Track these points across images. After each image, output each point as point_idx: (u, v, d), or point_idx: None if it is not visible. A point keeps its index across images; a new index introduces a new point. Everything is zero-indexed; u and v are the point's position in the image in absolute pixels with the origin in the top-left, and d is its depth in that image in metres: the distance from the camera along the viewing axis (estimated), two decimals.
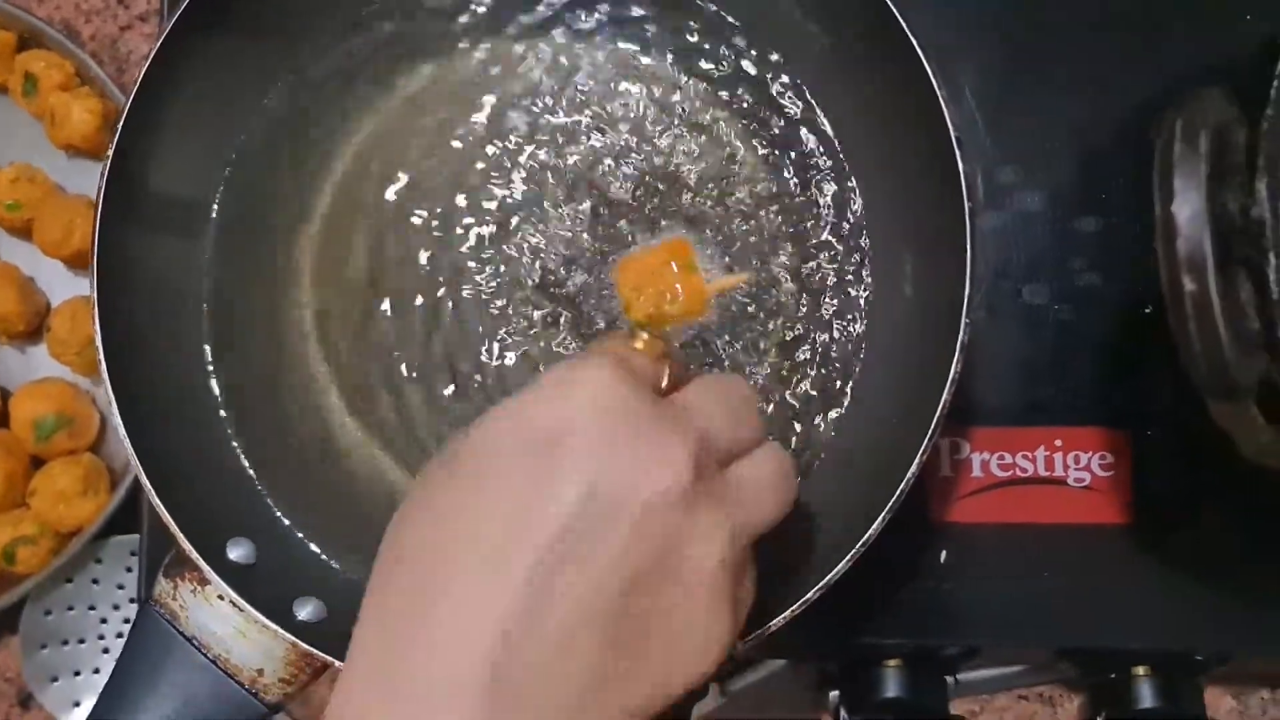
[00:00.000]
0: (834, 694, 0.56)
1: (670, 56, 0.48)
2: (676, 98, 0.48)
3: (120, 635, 0.64)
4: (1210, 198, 0.31)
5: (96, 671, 0.63)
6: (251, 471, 0.46)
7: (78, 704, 0.63)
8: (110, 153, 0.43)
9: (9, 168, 0.65)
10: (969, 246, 0.40)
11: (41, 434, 0.63)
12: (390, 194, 0.49)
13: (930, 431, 0.39)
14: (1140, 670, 0.51)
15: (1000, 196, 0.53)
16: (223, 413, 0.46)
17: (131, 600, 0.64)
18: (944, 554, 0.51)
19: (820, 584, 0.39)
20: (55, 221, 0.64)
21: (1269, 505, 0.49)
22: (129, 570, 0.64)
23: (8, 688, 0.65)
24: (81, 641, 0.64)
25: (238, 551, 0.43)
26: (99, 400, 0.65)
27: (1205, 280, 0.31)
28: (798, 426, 0.46)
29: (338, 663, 0.40)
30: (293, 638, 0.41)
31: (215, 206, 0.48)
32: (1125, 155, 0.53)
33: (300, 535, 0.46)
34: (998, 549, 0.51)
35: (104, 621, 0.64)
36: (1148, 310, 0.51)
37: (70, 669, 0.63)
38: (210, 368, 0.47)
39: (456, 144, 0.49)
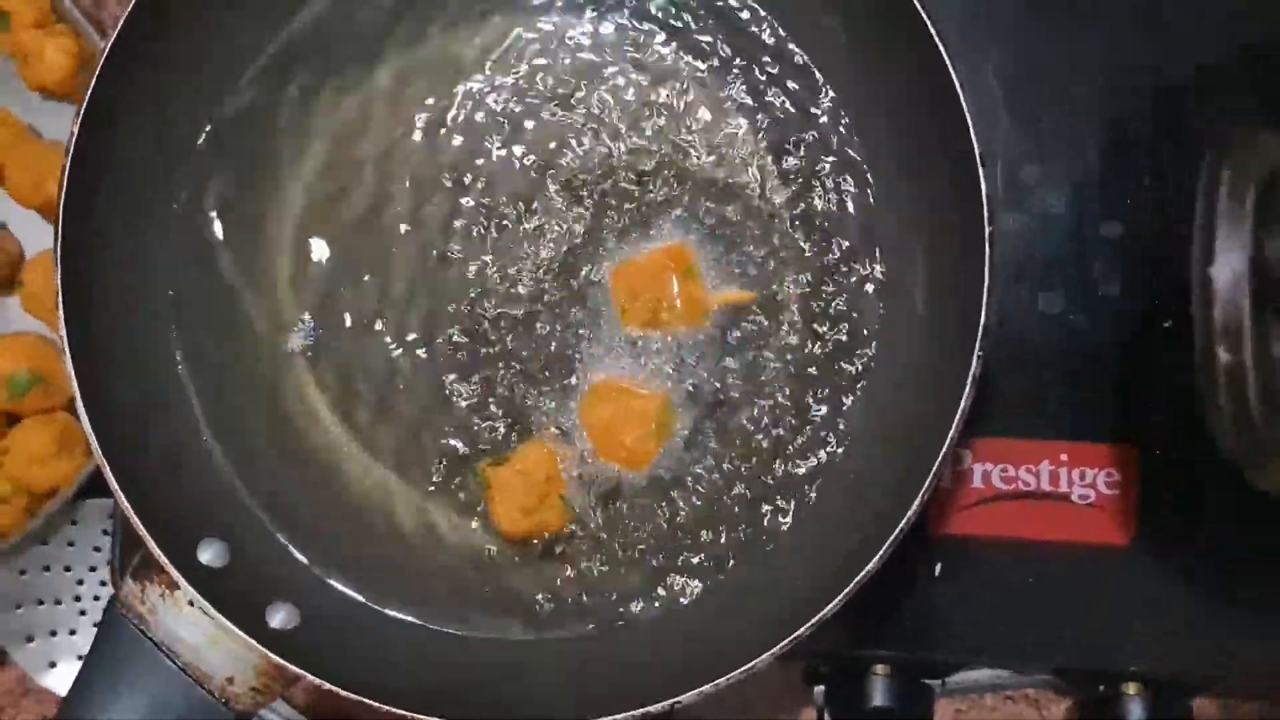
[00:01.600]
0: (819, 689, 0.55)
1: (684, 47, 0.45)
2: (689, 93, 0.45)
3: (97, 598, 0.63)
4: (1254, 259, 0.29)
5: (73, 633, 0.63)
6: (226, 466, 0.44)
7: (53, 664, 0.62)
8: (74, 135, 0.40)
9: None
10: (986, 272, 0.37)
11: (15, 391, 0.61)
12: (371, 177, 0.46)
13: (934, 470, 0.37)
14: (1131, 688, 0.50)
15: (1021, 195, 0.50)
16: (195, 405, 0.44)
17: (109, 563, 0.63)
18: (939, 566, 0.50)
19: (812, 619, 0.38)
20: (27, 169, 0.61)
21: (1274, 531, 0.48)
22: (105, 533, 0.63)
23: None
24: (58, 602, 0.63)
25: (209, 554, 0.42)
26: None
27: (1241, 350, 0.29)
28: (804, 451, 0.44)
29: (309, 675, 0.39)
30: (264, 649, 0.39)
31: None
32: (1155, 158, 0.50)
33: (275, 533, 0.44)
34: (995, 564, 0.50)
35: (80, 583, 0.63)
36: (1167, 325, 0.49)
37: (46, 629, 0.62)
38: (179, 356, 0.44)
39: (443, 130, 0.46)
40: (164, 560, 0.40)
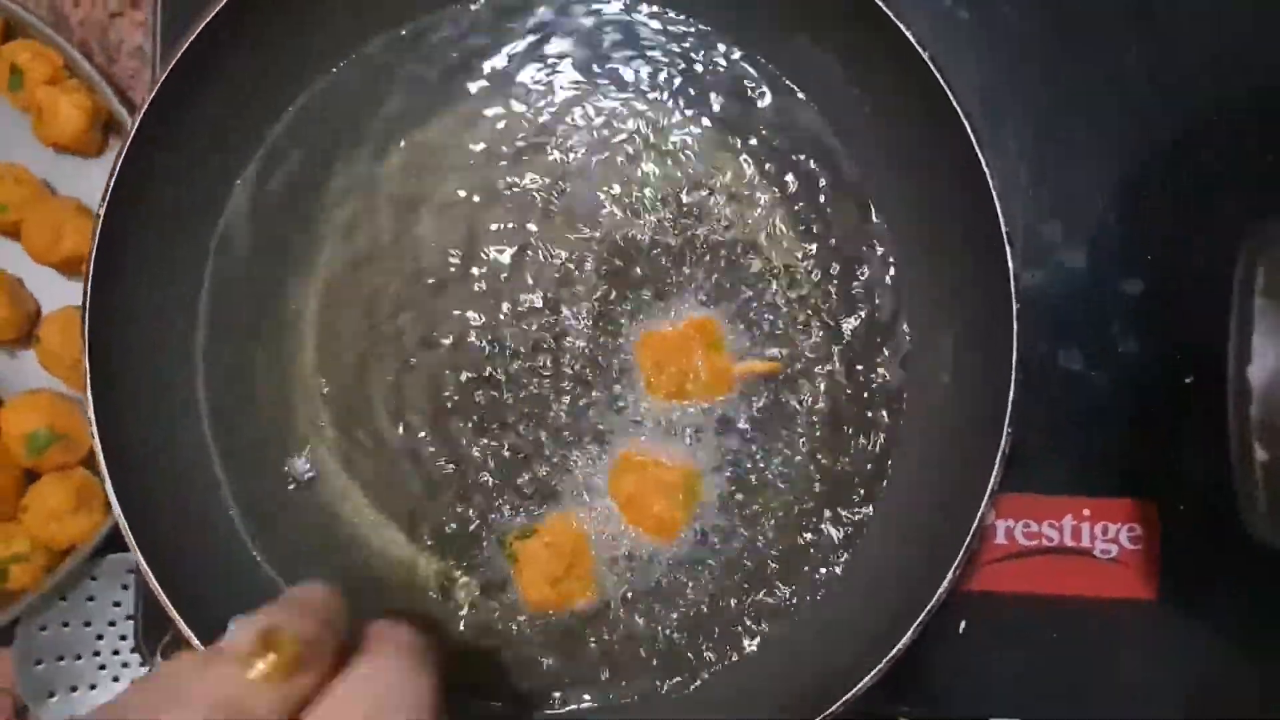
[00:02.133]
0: None
1: (711, 123, 0.45)
2: (717, 167, 0.45)
3: (116, 652, 0.63)
4: None
5: (93, 687, 0.63)
6: (251, 544, 0.44)
7: None
8: (102, 211, 0.40)
9: None
10: (1014, 349, 0.37)
11: (34, 448, 0.61)
12: (401, 241, 0.46)
13: (965, 545, 0.37)
14: None
15: (1040, 252, 0.51)
16: (221, 477, 0.45)
17: (128, 617, 0.63)
18: (963, 624, 0.50)
19: (844, 697, 0.38)
20: (43, 226, 0.61)
21: None
22: (125, 588, 0.62)
23: (3, 699, 0.64)
24: (78, 658, 0.63)
25: None
26: None
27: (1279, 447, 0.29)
28: (831, 523, 0.44)
29: None
30: None
31: (208, 265, 0.46)
32: (1175, 214, 0.50)
33: None
34: (1018, 620, 0.50)
35: (100, 638, 0.63)
36: (1188, 381, 0.49)
37: (66, 685, 0.62)
38: (208, 432, 0.45)
39: (477, 198, 0.46)
40: (196, 643, 0.40)
